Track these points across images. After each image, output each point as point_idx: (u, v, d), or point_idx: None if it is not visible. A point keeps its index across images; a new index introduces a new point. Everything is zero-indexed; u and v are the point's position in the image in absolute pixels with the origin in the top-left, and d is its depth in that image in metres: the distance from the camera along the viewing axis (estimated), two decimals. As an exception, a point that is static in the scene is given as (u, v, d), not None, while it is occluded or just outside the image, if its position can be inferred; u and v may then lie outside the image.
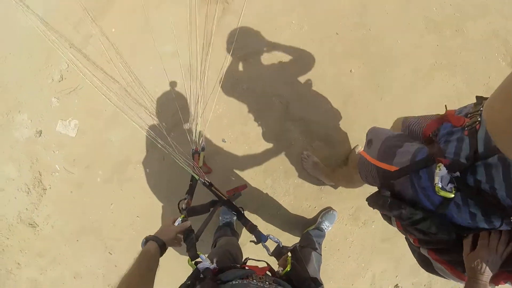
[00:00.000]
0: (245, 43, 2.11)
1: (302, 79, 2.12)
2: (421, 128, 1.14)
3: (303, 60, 2.13)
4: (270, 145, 2.10)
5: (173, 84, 2.09)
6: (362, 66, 2.15)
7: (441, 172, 0.85)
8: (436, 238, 0.95)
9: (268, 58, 2.12)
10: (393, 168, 1.03)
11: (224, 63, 2.09)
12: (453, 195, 0.84)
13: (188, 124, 2.05)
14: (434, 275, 1.15)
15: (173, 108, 2.05)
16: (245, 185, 1.62)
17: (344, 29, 2.16)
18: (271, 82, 2.10)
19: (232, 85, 2.09)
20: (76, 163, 2.13)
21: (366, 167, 1.20)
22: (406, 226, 1.03)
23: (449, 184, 0.85)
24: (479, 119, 0.85)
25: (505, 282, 0.93)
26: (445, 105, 1.09)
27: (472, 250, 0.92)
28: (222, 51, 2.11)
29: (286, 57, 2.12)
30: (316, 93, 2.12)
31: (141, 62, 2.10)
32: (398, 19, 2.20)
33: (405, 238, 1.18)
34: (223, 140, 2.08)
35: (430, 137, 1.04)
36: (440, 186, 0.84)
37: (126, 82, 2.06)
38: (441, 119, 1.01)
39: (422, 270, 2.34)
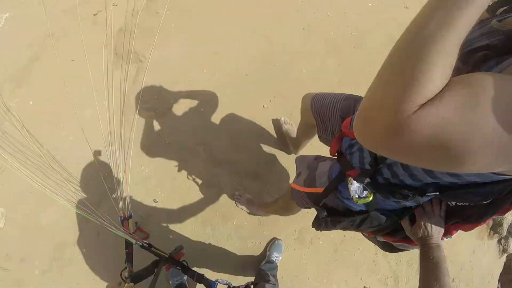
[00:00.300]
0: (161, 98, 2.17)
1: (221, 122, 2.19)
2: (334, 119, 1.28)
3: (218, 104, 2.22)
4: (202, 194, 2.12)
5: (96, 153, 2.07)
6: (274, 100, 2.27)
7: (352, 186, 0.94)
8: (382, 226, 1.04)
9: (186, 108, 2.18)
10: (319, 190, 1.12)
11: (143, 122, 2.12)
12: (371, 199, 0.93)
13: (115, 192, 2.02)
14: (398, 252, 1.26)
15: (98, 178, 2.02)
16: (182, 253, 1.62)
17: (252, 69, 2.30)
18: (192, 132, 2.15)
19: (154, 142, 2.11)
20: (10, 257, 2.02)
21: (298, 195, 1.29)
22: (354, 229, 1.12)
23: (364, 191, 0.94)
24: None
25: (457, 231, 1.03)
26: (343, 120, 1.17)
27: (412, 225, 1.00)
28: (139, 111, 2.14)
29: (202, 105, 2.20)
30: (236, 134, 2.20)
31: (62, 133, 2.08)
32: (300, 50, 2.36)
33: (361, 233, 1.28)
34: (155, 200, 2.07)
35: (339, 151, 1.11)
36: (357, 196, 0.94)
37: (48, 159, 2.01)
38: (340, 137, 1.08)
39: (382, 263, 2.47)
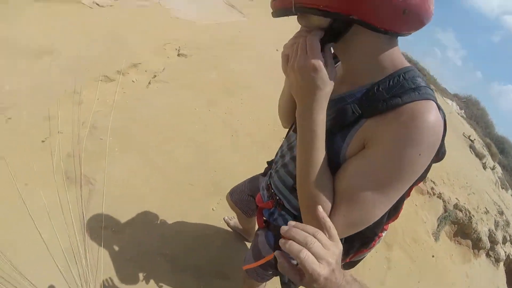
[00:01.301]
0: (116, 216, 2.29)
1: (176, 231, 2.36)
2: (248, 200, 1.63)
3: (170, 214, 2.42)
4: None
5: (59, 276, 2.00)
6: (220, 201, 2.57)
7: None
8: None
9: (141, 223, 2.32)
10: (269, 257, 1.27)
11: (101, 241, 2.17)
12: None
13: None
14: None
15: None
16: None
17: (196, 178, 2.62)
18: (150, 244, 2.25)
19: (114, 259, 2.15)
20: None
21: (254, 273, 1.42)
22: None
23: None
24: (277, 198, 1.15)
25: (387, 227, 1.16)
26: (255, 198, 1.43)
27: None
28: (97, 230, 2.21)
29: (155, 217, 2.37)
30: (194, 239, 2.36)
31: (25, 258, 2.00)
32: (232, 152, 2.74)
33: None
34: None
35: (266, 222, 1.30)
36: None
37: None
38: (260, 211, 1.28)
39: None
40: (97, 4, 4.64)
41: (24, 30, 3.71)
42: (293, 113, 0.91)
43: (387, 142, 0.70)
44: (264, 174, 1.46)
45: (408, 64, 0.79)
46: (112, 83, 3.50)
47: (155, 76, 3.63)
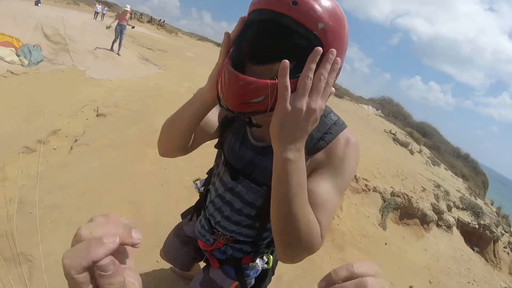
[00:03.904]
0: None
1: None
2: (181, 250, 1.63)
3: None
4: None
5: None
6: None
7: (257, 264, 1.23)
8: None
9: None
10: (234, 284, 1.34)
11: None
12: (271, 257, 1.26)
13: None
14: None
15: None
16: None
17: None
18: None
19: None
20: None
21: None
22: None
23: (265, 258, 1.25)
24: (228, 236, 1.24)
25: None
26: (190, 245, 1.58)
27: None
28: None
29: None
30: None
31: None
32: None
33: None
34: None
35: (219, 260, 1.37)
36: (265, 265, 1.24)
37: None
38: (210, 253, 1.36)
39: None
40: (11, 72, 4.62)
41: None
42: (187, 142, 1.13)
43: (337, 162, 0.92)
44: (189, 220, 1.57)
45: None
46: (34, 153, 3.58)
47: (76, 140, 3.77)
